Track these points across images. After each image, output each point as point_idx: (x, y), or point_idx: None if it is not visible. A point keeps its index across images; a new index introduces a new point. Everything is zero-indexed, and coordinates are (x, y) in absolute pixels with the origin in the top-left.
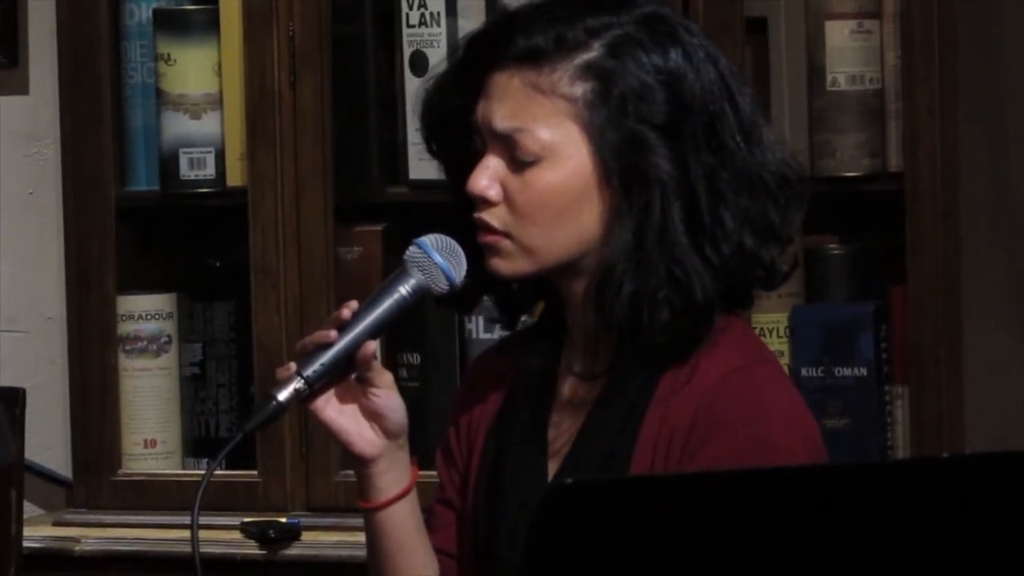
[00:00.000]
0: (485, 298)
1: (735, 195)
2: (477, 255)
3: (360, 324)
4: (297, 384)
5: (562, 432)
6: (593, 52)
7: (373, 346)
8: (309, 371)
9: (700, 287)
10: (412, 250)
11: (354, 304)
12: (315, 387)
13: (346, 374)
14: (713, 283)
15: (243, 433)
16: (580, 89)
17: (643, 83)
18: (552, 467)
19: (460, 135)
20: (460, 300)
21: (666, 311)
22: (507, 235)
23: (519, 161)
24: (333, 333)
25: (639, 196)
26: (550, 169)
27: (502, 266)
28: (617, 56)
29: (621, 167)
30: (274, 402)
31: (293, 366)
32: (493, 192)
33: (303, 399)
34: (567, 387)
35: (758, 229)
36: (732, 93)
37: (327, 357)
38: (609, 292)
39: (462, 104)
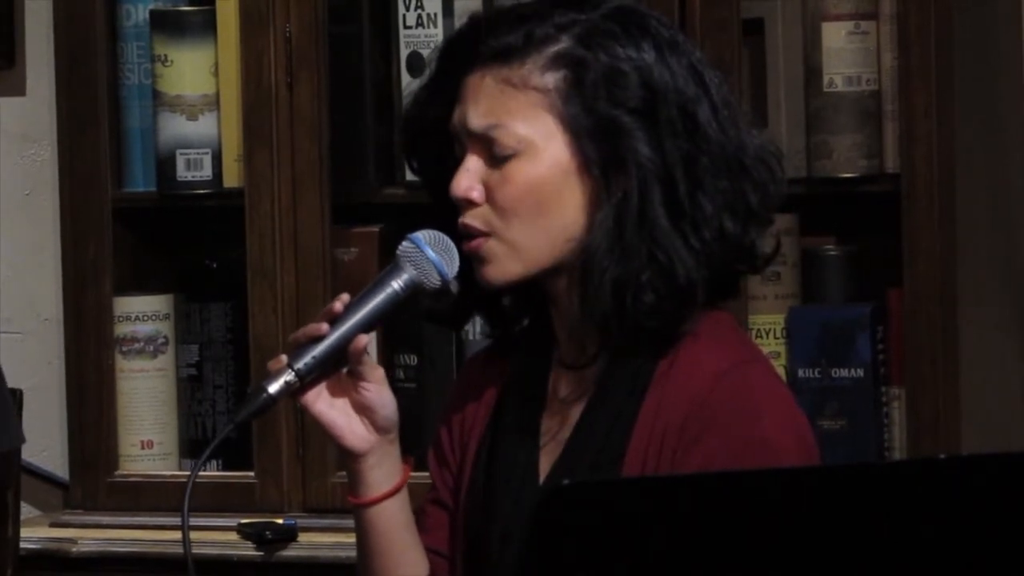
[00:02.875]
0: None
1: (713, 179)
2: (468, 270)
3: (352, 318)
4: (288, 376)
5: (553, 429)
6: (562, 43)
7: (365, 340)
8: (300, 364)
9: (683, 269)
10: (405, 245)
11: (346, 297)
12: (306, 380)
13: (337, 368)
14: (696, 266)
15: (233, 424)
16: (552, 79)
17: (615, 68)
18: (544, 464)
19: (440, 148)
20: (450, 316)
21: (650, 294)
22: (491, 234)
23: (497, 157)
24: (325, 326)
25: (618, 183)
26: (528, 162)
27: (492, 273)
28: (587, 46)
29: (599, 154)
30: (264, 394)
31: (284, 358)
32: (475, 193)
33: (294, 392)
34: (558, 384)
35: (738, 212)
36: (704, 79)
37: (318, 350)
38: (592, 280)
39: (439, 116)
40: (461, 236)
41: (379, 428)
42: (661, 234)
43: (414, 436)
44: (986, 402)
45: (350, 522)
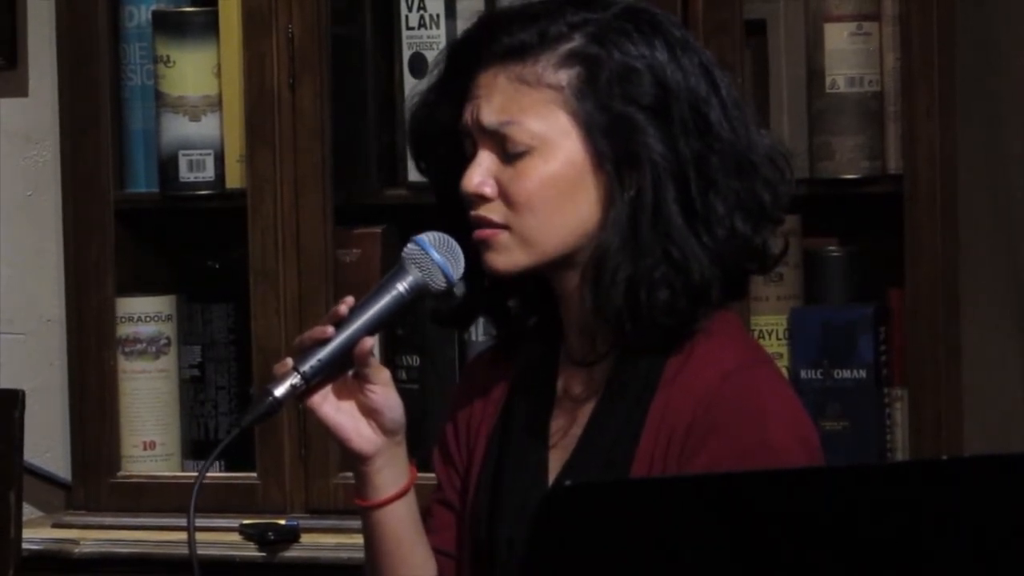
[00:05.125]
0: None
1: (725, 178)
2: (475, 268)
3: (357, 321)
4: (294, 380)
5: (563, 427)
6: (576, 41)
7: (370, 342)
8: (306, 367)
9: (697, 266)
10: (410, 247)
11: (351, 300)
12: (312, 383)
13: (343, 370)
14: (710, 264)
15: (239, 428)
16: (565, 76)
17: (628, 66)
18: (553, 462)
19: (449, 147)
20: (456, 317)
21: (665, 290)
22: (506, 227)
23: (510, 154)
24: (330, 329)
25: (632, 181)
26: (542, 159)
27: (498, 260)
28: (600, 44)
29: (613, 151)
30: (270, 398)
31: (290, 362)
32: (488, 188)
33: (300, 395)
34: (566, 382)
35: (749, 211)
36: (715, 78)
37: (324, 353)
38: (605, 277)
39: (449, 114)
40: (472, 229)
41: (386, 430)
42: (675, 231)
43: (417, 437)
44: (988, 403)
45: (353, 523)
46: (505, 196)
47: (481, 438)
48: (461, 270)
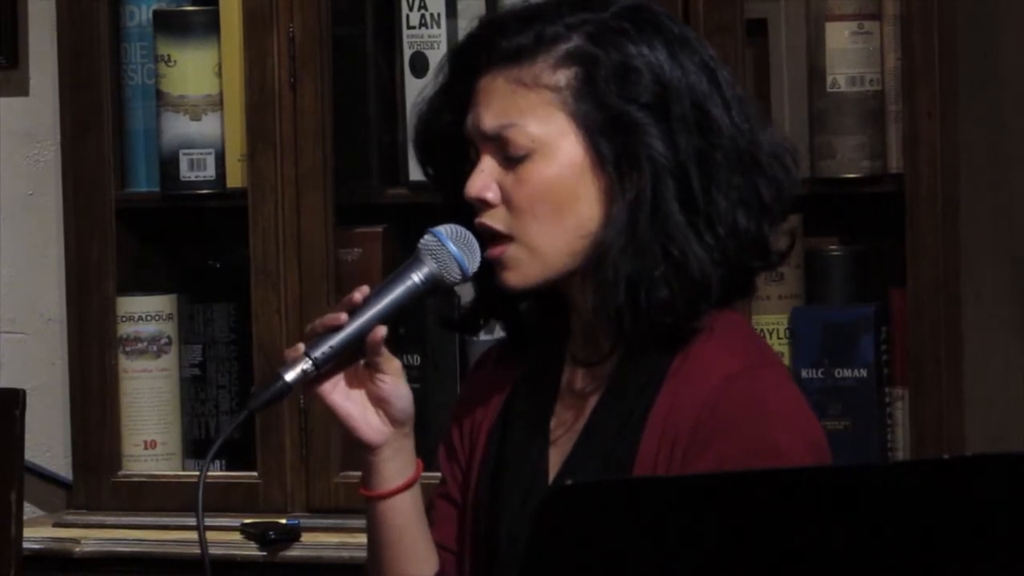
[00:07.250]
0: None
1: (727, 175)
2: (484, 273)
3: (371, 309)
4: (305, 365)
5: (563, 423)
6: (573, 42)
7: (383, 331)
8: (318, 352)
9: (697, 264)
10: (427, 238)
11: (366, 289)
12: (323, 369)
13: (355, 359)
14: (710, 262)
15: (247, 411)
16: (563, 77)
17: (626, 65)
18: (554, 458)
19: (455, 154)
20: (467, 322)
21: (664, 289)
22: (511, 237)
23: (512, 158)
24: (343, 316)
25: (632, 180)
26: (543, 162)
27: (512, 278)
28: (598, 43)
29: (612, 151)
30: (280, 381)
31: (302, 347)
32: (490, 194)
33: (310, 381)
34: (570, 378)
35: (751, 207)
36: (716, 76)
37: (336, 340)
38: (606, 276)
39: (453, 121)
40: (480, 238)
41: (394, 420)
42: (675, 230)
43: (418, 436)
44: (990, 403)
45: (353, 522)
46: (508, 202)
47: (483, 433)
48: (477, 263)
